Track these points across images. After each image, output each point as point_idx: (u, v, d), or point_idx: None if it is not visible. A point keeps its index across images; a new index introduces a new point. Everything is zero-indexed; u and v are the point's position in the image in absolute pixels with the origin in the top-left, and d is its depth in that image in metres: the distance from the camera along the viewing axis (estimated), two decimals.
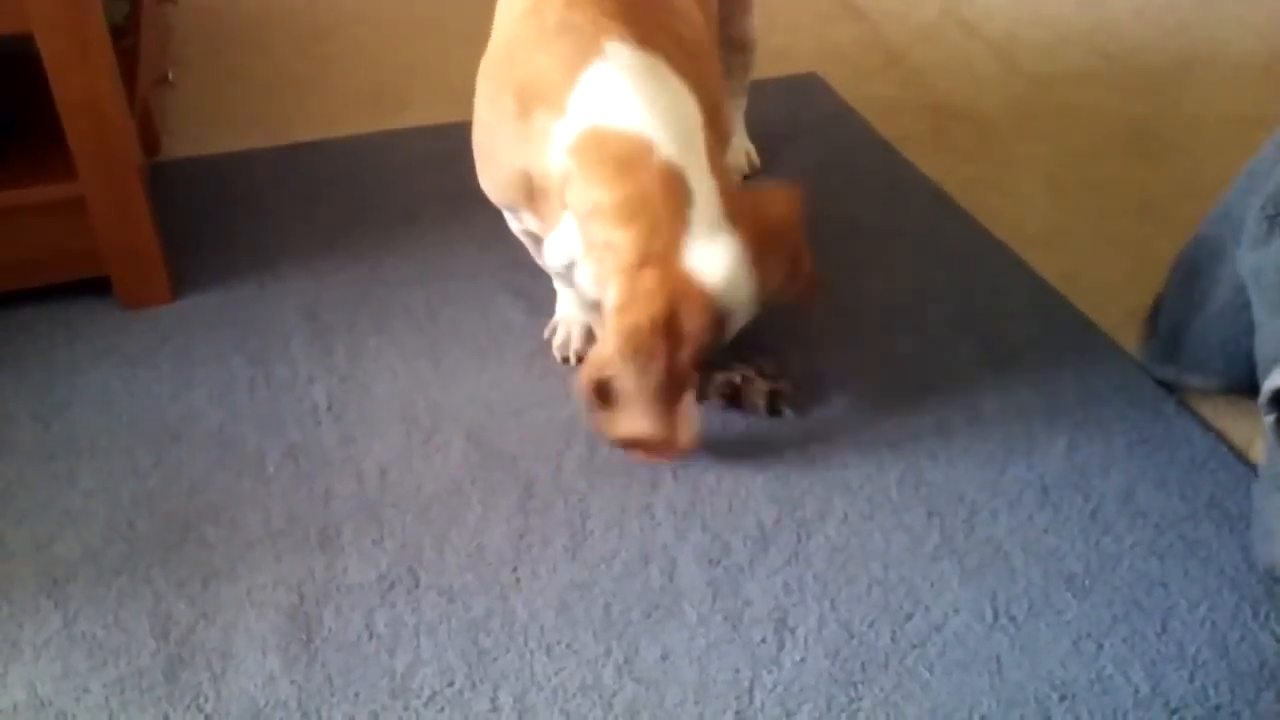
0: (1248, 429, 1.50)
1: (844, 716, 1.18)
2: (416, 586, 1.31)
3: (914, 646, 1.25)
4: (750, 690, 1.21)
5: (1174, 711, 1.18)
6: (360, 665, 1.23)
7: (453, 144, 2.11)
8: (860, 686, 1.21)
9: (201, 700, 1.19)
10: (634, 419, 1.36)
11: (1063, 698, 1.20)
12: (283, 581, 1.32)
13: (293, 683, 1.21)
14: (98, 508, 1.41)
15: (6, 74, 1.82)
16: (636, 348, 1.32)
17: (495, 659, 1.24)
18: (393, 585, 1.31)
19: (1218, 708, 1.19)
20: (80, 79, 1.55)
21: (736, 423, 1.52)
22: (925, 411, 1.54)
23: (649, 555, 1.35)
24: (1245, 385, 1.47)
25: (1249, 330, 1.40)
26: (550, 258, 1.46)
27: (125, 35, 1.97)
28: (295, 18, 2.61)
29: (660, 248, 1.32)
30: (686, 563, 1.34)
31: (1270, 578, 1.30)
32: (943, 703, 1.19)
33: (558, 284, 1.66)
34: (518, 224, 1.58)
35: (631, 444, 1.40)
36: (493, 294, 1.75)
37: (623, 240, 1.32)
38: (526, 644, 1.25)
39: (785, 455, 1.48)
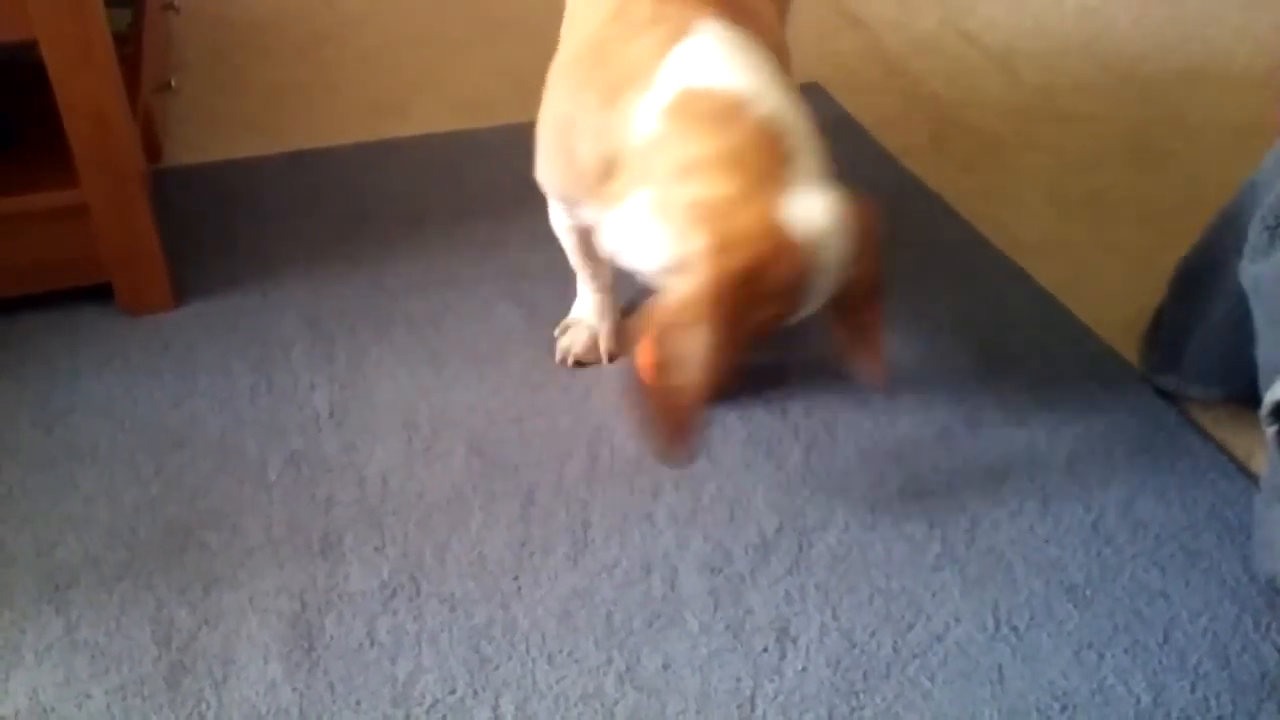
0: (1249, 440, 1.51)
1: None
2: (418, 594, 1.31)
3: (915, 656, 1.25)
4: (752, 699, 1.21)
5: None
6: (362, 673, 1.23)
7: (454, 152, 2.12)
8: (862, 696, 1.21)
9: (203, 707, 1.19)
10: (688, 372, 1.27)
11: (1064, 708, 1.20)
12: (284, 589, 1.31)
13: (294, 690, 1.21)
14: (99, 514, 1.41)
15: (9, 80, 1.82)
16: (719, 297, 1.24)
17: (497, 667, 1.24)
18: (394, 593, 1.31)
19: (1219, 719, 1.19)
20: (83, 85, 1.55)
21: (738, 430, 1.52)
22: (927, 421, 1.54)
23: (650, 564, 1.35)
24: (1246, 396, 1.47)
25: (1250, 341, 1.40)
26: (610, 237, 1.42)
27: (128, 42, 1.97)
28: (297, 25, 2.62)
29: (759, 199, 1.26)
30: (688, 571, 1.34)
31: (1271, 589, 1.31)
32: (944, 712, 1.19)
33: (585, 283, 1.66)
34: (567, 220, 1.59)
35: (664, 407, 1.31)
36: (494, 301, 1.75)
37: (716, 192, 1.27)
38: (528, 652, 1.25)
39: (786, 464, 1.48)
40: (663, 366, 1.28)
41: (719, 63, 1.34)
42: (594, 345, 1.65)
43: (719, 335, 1.25)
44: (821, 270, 1.28)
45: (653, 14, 1.41)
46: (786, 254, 1.25)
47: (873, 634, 1.27)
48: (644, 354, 1.30)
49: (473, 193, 2.01)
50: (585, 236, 1.58)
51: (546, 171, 1.54)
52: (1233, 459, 1.48)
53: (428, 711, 1.19)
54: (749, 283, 1.25)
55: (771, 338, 1.33)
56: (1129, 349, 1.66)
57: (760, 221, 1.25)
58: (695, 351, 1.26)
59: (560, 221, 1.61)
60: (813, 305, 1.32)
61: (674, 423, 1.31)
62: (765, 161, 1.28)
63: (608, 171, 1.42)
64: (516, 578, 1.33)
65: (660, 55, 1.36)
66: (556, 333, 1.67)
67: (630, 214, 1.37)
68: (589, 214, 1.50)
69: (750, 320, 1.27)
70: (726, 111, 1.30)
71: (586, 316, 1.67)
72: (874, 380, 1.48)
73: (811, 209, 1.27)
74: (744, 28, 1.41)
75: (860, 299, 1.39)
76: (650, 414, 1.31)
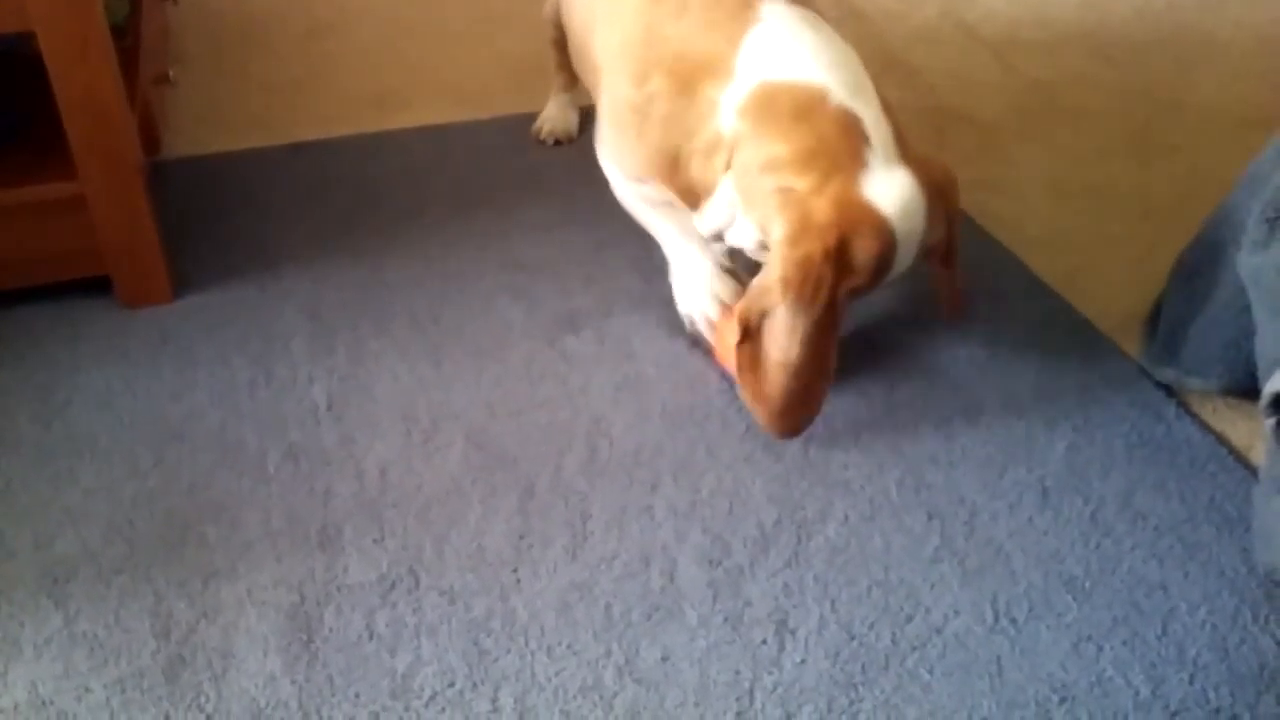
0: (1248, 431, 1.51)
1: (844, 718, 1.18)
2: (417, 587, 1.31)
3: (914, 648, 1.25)
4: (751, 692, 1.21)
5: (1174, 714, 1.19)
6: (361, 665, 1.23)
7: (454, 144, 2.12)
8: (861, 688, 1.21)
9: (202, 700, 1.19)
10: (784, 355, 1.38)
11: (1063, 700, 1.20)
12: (283, 581, 1.32)
13: (293, 683, 1.21)
14: (98, 507, 1.41)
15: (7, 73, 1.82)
16: (805, 278, 1.34)
17: (496, 660, 1.24)
18: (393, 585, 1.31)
19: (1218, 710, 1.19)
20: (81, 78, 1.55)
21: (736, 423, 1.52)
22: (925, 414, 1.54)
23: (649, 556, 1.35)
24: (1245, 387, 1.47)
25: (1249, 333, 1.40)
26: (704, 223, 1.50)
27: (126, 34, 1.97)
28: (296, 17, 2.61)
29: (838, 182, 1.34)
30: (687, 564, 1.34)
31: (1270, 581, 1.30)
32: (943, 705, 1.20)
33: (672, 237, 1.64)
34: (637, 188, 1.61)
35: (768, 392, 1.41)
36: (494, 294, 1.75)
37: (799, 182, 1.35)
38: (527, 645, 1.25)
39: (785, 457, 1.48)
40: (752, 349, 1.41)
41: (792, 52, 1.40)
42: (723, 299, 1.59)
43: (798, 315, 1.36)
44: (902, 243, 1.37)
45: None
46: (866, 231, 1.34)
47: (871, 626, 1.27)
48: (732, 335, 1.42)
49: (472, 185, 2.01)
50: (668, 208, 1.61)
51: (619, 153, 1.59)
52: (1232, 451, 1.48)
53: (427, 704, 1.19)
54: (828, 263, 1.34)
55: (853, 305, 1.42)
56: (1128, 341, 1.66)
57: (838, 206, 1.34)
58: (782, 332, 1.37)
59: (629, 191, 1.64)
60: (895, 273, 1.40)
61: (776, 399, 1.41)
62: (843, 150, 1.36)
63: (675, 159, 1.49)
64: (515, 570, 1.33)
65: (732, 43, 1.41)
66: (682, 309, 1.64)
67: (720, 203, 1.45)
68: (658, 192, 1.57)
69: (835, 292, 1.36)
70: (804, 107, 1.37)
71: (693, 275, 1.61)
72: (954, 314, 1.61)
73: (887, 188, 1.36)
74: (801, 3, 1.47)
75: (938, 257, 1.51)
76: (752, 391, 1.42)
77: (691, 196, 1.52)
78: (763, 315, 1.39)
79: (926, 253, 1.46)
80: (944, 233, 1.46)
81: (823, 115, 1.36)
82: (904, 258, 1.39)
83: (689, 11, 1.46)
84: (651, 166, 1.53)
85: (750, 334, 1.40)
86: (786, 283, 1.35)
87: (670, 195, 1.55)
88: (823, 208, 1.34)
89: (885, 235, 1.35)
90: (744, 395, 1.45)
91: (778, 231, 1.36)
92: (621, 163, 1.60)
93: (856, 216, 1.34)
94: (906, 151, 1.41)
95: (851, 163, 1.35)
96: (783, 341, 1.38)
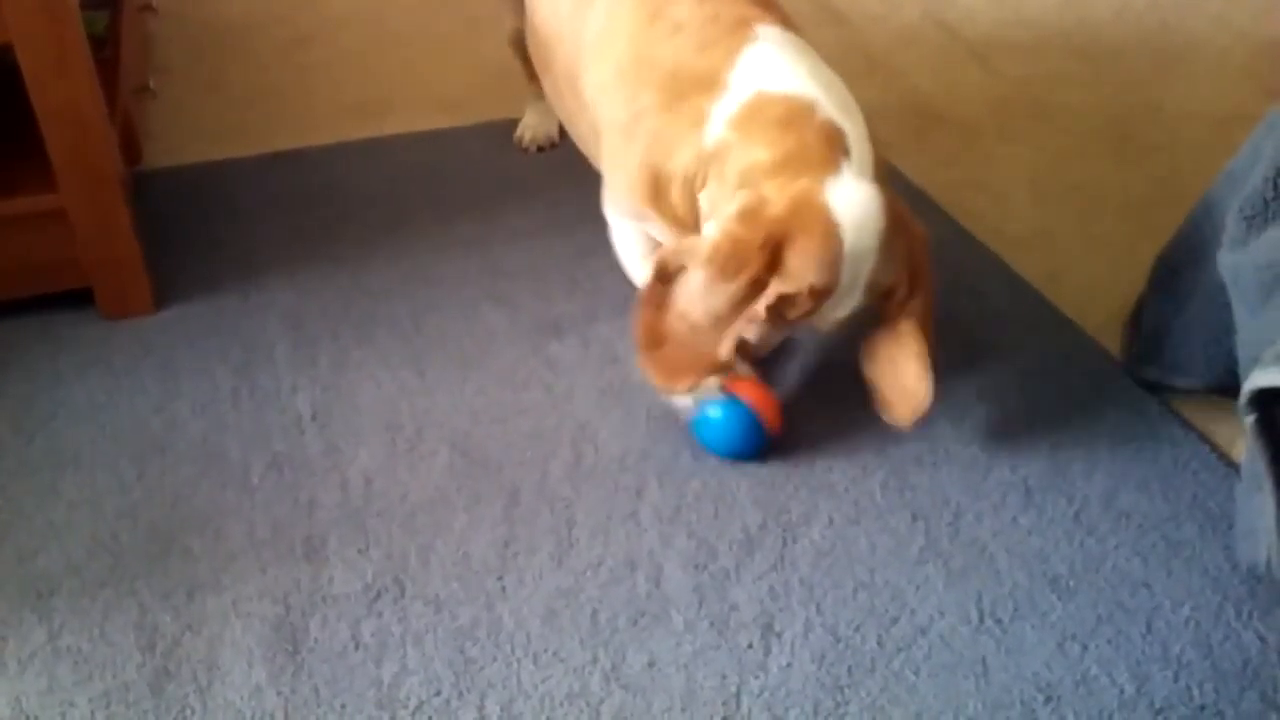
0: (1230, 429, 1.51)
1: None
2: (402, 596, 1.31)
3: (900, 649, 1.25)
4: (737, 696, 1.21)
5: (1159, 712, 1.19)
6: (347, 675, 1.23)
7: (436, 151, 2.12)
8: (847, 690, 1.21)
9: (188, 713, 1.19)
10: (685, 311, 1.35)
11: (1048, 699, 1.20)
12: (268, 592, 1.31)
13: (279, 694, 1.21)
14: (82, 520, 1.40)
15: None
16: (731, 254, 1.32)
17: (482, 668, 1.24)
18: (379, 595, 1.31)
19: (1202, 707, 1.19)
20: (60, 89, 1.55)
21: None
22: None
23: (635, 562, 1.35)
24: (1227, 385, 1.47)
25: (1230, 330, 1.41)
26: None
27: (105, 45, 1.96)
28: (277, 26, 2.61)
29: (802, 183, 1.32)
30: (672, 569, 1.34)
31: (1253, 576, 1.31)
32: (929, 705, 1.20)
33: None
34: (644, 244, 1.57)
35: (658, 333, 1.38)
36: (476, 302, 1.75)
37: (769, 187, 1.33)
38: (513, 652, 1.25)
39: (770, 460, 1.48)
40: (660, 292, 1.37)
41: (787, 67, 1.41)
42: None
43: (709, 290, 1.33)
44: (850, 258, 1.32)
45: (694, 14, 1.45)
46: (815, 232, 1.31)
47: (857, 628, 1.27)
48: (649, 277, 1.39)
49: (455, 192, 2.01)
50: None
51: (611, 186, 1.55)
52: (1214, 448, 1.49)
53: (413, 713, 1.19)
54: (761, 251, 1.31)
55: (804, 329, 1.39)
56: (1111, 340, 1.66)
57: (792, 205, 1.31)
58: (691, 291, 1.34)
59: (625, 238, 1.60)
60: (846, 299, 1.36)
61: (660, 348, 1.38)
62: (819, 157, 1.34)
63: (656, 183, 1.45)
64: (501, 578, 1.33)
65: (729, 58, 1.42)
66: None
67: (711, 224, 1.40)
68: (657, 232, 1.53)
69: (755, 288, 1.32)
70: (792, 116, 1.37)
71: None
72: (900, 419, 1.44)
73: (849, 195, 1.33)
74: (786, 26, 1.48)
75: (895, 314, 1.41)
76: (644, 329, 1.38)
77: (679, 228, 1.47)
78: (680, 270, 1.36)
79: (880, 293, 1.39)
80: (899, 276, 1.39)
81: (808, 125, 1.36)
82: (849, 280, 1.34)
83: (682, 32, 1.45)
84: (638, 188, 1.47)
85: (663, 278, 1.37)
86: (714, 250, 1.32)
87: (660, 231, 1.51)
88: (778, 204, 1.32)
89: (831, 242, 1.31)
90: (635, 329, 1.40)
91: (730, 210, 1.34)
92: (614, 194, 1.56)
93: (807, 217, 1.31)
94: (885, 185, 1.38)
95: (823, 168, 1.33)
96: (689, 299, 1.35)
